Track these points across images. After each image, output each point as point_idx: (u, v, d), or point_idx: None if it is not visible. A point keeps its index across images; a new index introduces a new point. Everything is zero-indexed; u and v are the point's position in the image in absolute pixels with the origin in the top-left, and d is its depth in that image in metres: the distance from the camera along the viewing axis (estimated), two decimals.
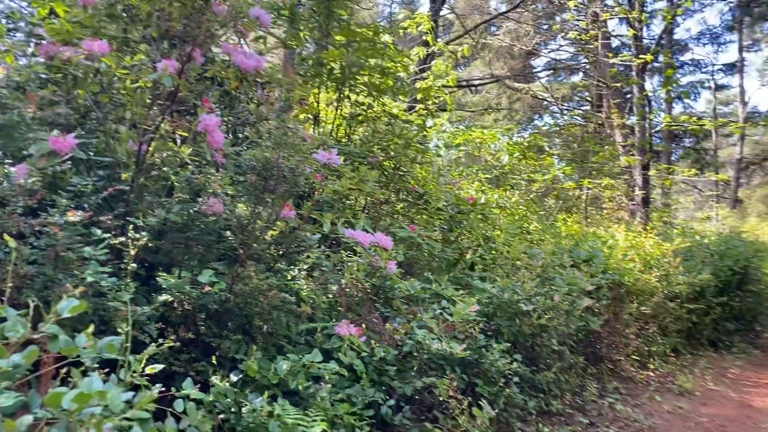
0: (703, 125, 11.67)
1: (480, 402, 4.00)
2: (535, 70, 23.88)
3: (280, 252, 3.88)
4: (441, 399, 3.93)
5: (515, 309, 4.95)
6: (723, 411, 5.92)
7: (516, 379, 4.62)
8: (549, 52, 22.16)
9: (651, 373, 7.11)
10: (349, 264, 4.11)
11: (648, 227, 9.68)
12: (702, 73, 29.89)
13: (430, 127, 8.45)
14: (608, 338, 6.93)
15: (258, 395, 2.93)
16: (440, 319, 4.15)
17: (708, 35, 29.12)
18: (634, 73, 14.80)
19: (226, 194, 3.66)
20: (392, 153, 5.48)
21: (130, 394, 2.45)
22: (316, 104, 6.39)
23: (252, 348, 3.14)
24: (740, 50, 27.62)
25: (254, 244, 3.44)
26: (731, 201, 27.40)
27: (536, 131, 18.97)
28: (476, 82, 16.72)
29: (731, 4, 24.51)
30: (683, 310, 8.29)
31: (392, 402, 3.68)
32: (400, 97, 7.02)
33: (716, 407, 6.06)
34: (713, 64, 30.61)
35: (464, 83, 15.22)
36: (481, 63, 20.88)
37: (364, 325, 4.01)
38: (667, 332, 8.13)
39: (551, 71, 22.26)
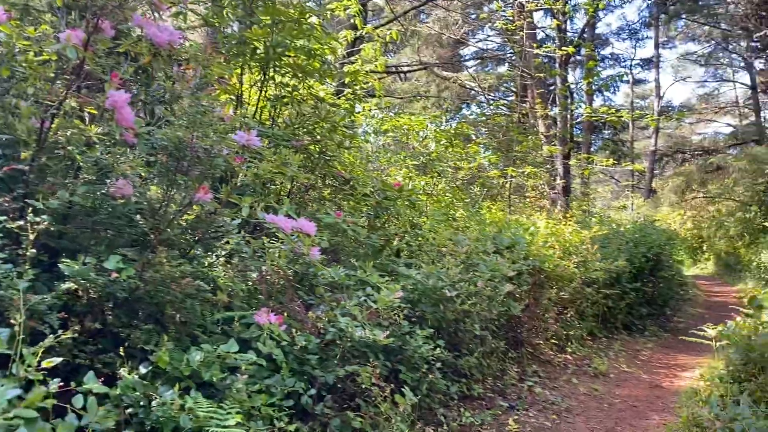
0: (621, 116, 12.14)
1: (402, 389, 3.97)
2: (463, 60, 24.18)
3: (197, 237, 3.71)
4: (364, 387, 3.87)
5: (439, 295, 4.95)
6: (635, 392, 6.18)
7: (439, 364, 4.63)
8: (477, 42, 22.48)
9: (569, 357, 7.35)
10: (270, 250, 3.98)
11: (568, 215, 9.98)
12: (621, 67, 31.17)
13: (358, 113, 8.36)
14: (529, 323, 7.10)
15: (169, 388, 2.78)
16: (364, 307, 4.08)
17: (627, 30, 30.41)
18: (557, 65, 15.21)
19: (139, 176, 3.45)
20: (318, 137, 5.36)
21: (22, 390, 2.28)
22: (239, 85, 6.16)
23: (163, 338, 2.97)
24: (656, 46, 28.98)
25: (167, 229, 3.26)
26: (646, 191, 28.79)
27: (464, 120, 19.24)
28: (405, 69, 16.70)
29: (648, 2, 25.58)
30: (600, 296, 8.62)
31: (313, 391, 3.59)
32: (328, 80, 6.88)
33: (629, 388, 6.32)
34: (631, 59, 32.03)
35: (393, 69, 15.17)
36: (411, 50, 20.89)
37: (285, 314, 3.90)
38: (584, 316, 8.43)
39: (479, 61, 22.60)
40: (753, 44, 15.77)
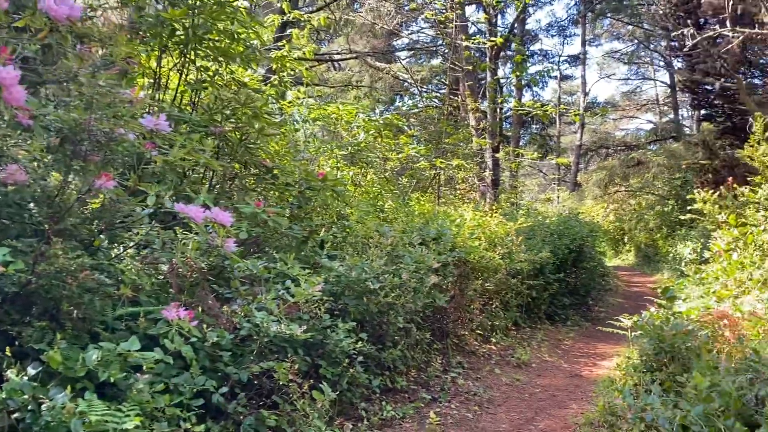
0: (547, 111, 12.40)
1: (321, 384, 3.87)
2: (397, 50, 24.17)
3: (101, 228, 3.47)
4: (281, 383, 3.75)
5: (363, 288, 4.87)
6: (555, 381, 6.31)
7: (361, 358, 4.56)
8: (410, 34, 22.50)
9: (493, 347, 7.44)
10: (184, 242, 3.78)
11: (494, 207, 10.11)
12: (549, 63, 31.98)
13: (288, 102, 8.16)
14: (454, 314, 7.14)
15: (62, 390, 2.57)
16: (282, 300, 3.95)
17: (556, 27, 31.23)
18: (487, 59, 15.40)
19: (36, 161, 3.19)
20: (239, 123, 5.15)
21: None
22: (157, 67, 5.86)
23: (56, 336, 2.75)
24: (583, 43, 29.90)
25: (65, 219, 3.02)
26: (571, 184, 29.73)
27: (396, 111, 19.24)
28: (336, 57, 16.49)
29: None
30: (524, 286, 8.78)
31: (225, 389, 3.44)
32: (253, 66, 6.66)
33: (549, 378, 6.45)
34: (559, 55, 32.87)
35: (324, 58, 14.95)
36: (344, 40, 20.69)
37: (200, 308, 3.72)
38: (508, 307, 8.57)
39: (412, 52, 22.64)
40: (672, 43, 16.46)
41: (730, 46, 9.33)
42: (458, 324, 7.29)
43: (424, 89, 21.22)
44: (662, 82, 34.75)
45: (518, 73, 12.18)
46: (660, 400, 3.13)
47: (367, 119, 7.89)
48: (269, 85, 7.31)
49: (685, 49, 8.80)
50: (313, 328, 4.29)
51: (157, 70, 5.88)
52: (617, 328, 5.49)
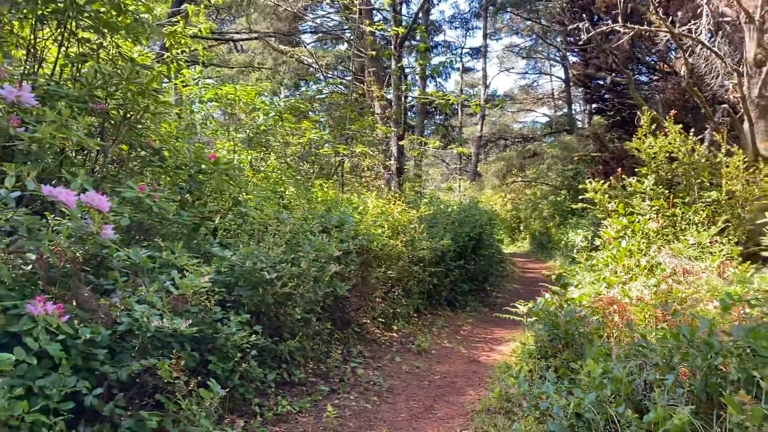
0: (449, 100, 12.53)
1: (209, 381, 3.63)
2: (301, 32, 23.71)
3: None
4: (166, 381, 3.48)
5: (258, 277, 4.65)
6: (454, 367, 6.36)
7: (255, 352, 4.35)
8: (315, 18, 22.11)
9: (394, 334, 7.42)
10: (54, 229, 3.40)
11: (398, 195, 10.10)
12: (452, 54, 32.54)
13: (179, 79, 7.69)
14: (356, 302, 7.04)
15: None
16: (167, 292, 3.66)
17: (459, 19, 31.80)
18: (392, 47, 15.36)
19: None
20: (122, 100, 4.74)
21: None
22: (31, 37, 5.30)
23: None
24: (485, 36, 30.60)
25: None
26: (472, 174, 30.47)
27: (300, 96, 18.84)
28: (236, 37, 15.86)
29: None
30: (426, 273, 8.83)
31: (101, 390, 3.14)
32: (143, 41, 6.19)
33: (448, 364, 6.50)
34: (462, 47, 33.53)
35: (224, 37, 14.34)
36: (246, 21, 20.00)
37: (74, 302, 3.38)
38: (410, 294, 8.59)
39: (317, 36, 22.27)
40: (568, 38, 17.14)
41: (620, 42, 9.82)
42: (360, 312, 7.21)
43: (329, 75, 20.93)
44: (557, 77, 36.35)
45: (422, 62, 12.19)
46: (554, 387, 3.15)
47: (267, 101, 7.58)
48: (161, 62, 6.85)
49: (580, 43, 9.11)
50: (203, 321, 4.04)
51: (31, 39, 5.33)
52: (513, 314, 5.59)
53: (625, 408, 2.73)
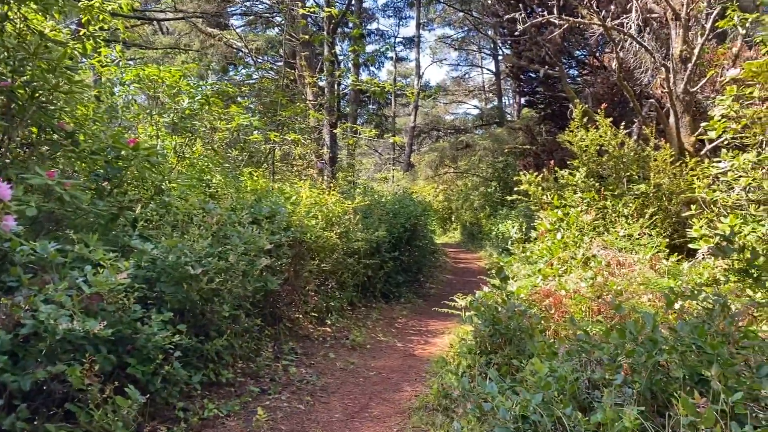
0: (382, 87, 12.34)
1: (127, 387, 3.30)
2: (230, 17, 22.95)
3: None
4: (77, 389, 3.13)
5: (182, 273, 4.31)
6: (390, 362, 6.20)
7: (179, 352, 4.02)
8: (246, 1, 21.41)
9: (328, 329, 7.19)
10: None
11: (332, 185, 9.84)
12: (386, 43, 32.39)
13: (97, 59, 7.13)
14: (288, 297, 6.78)
15: None
16: (79, 290, 3.30)
17: (392, 8, 31.63)
18: (325, 32, 15.01)
19: None
20: (29, 77, 4.28)
21: None
22: None
23: None
24: (418, 26, 30.56)
25: None
26: (405, 164, 30.51)
27: (229, 80, 18.19)
28: (161, 16, 15.05)
29: None
30: (360, 266, 8.63)
31: (0, 401, 2.77)
32: (55, 15, 5.67)
33: (384, 359, 6.33)
34: (395, 36, 33.44)
35: (147, 16, 13.57)
36: (172, 0, 19.08)
37: None
38: (345, 287, 8.37)
39: (247, 19, 21.59)
40: (501, 29, 17.28)
41: (553, 35, 9.91)
42: (292, 307, 6.93)
43: (259, 59, 20.32)
44: (489, 69, 36.93)
45: (356, 48, 11.92)
46: (498, 387, 3.02)
47: (193, 84, 7.13)
48: (76, 40, 6.32)
49: (516, 34, 9.11)
50: (120, 321, 3.69)
51: None
52: (452, 308, 5.47)
53: (573, 409, 2.62)
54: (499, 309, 4.36)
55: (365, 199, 9.97)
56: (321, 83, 16.53)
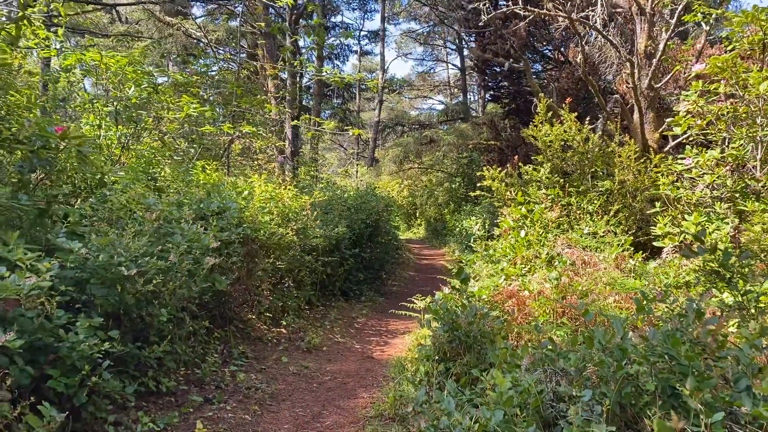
0: (344, 78, 12.00)
1: (41, 404, 2.93)
2: (190, 6, 22.32)
3: None
4: None
5: (116, 274, 3.93)
6: (346, 366, 5.91)
7: (109, 361, 3.65)
8: None
9: (283, 330, 6.85)
10: None
11: (291, 179, 9.47)
12: (349, 32, 31.95)
13: (34, 41, 6.64)
14: (240, 297, 6.42)
15: None
16: None
17: (357, 1, 31.20)
18: (287, 23, 14.60)
19: None
20: None
21: None
22: None
23: None
24: (383, 20, 30.22)
25: None
26: (369, 159, 30.21)
27: (187, 71, 17.61)
28: (112, 2, 14.35)
29: None
30: (319, 263, 8.30)
31: None
32: None
33: (340, 362, 6.03)
34: (360, 30, 33.03)
35: (100, 2, 12.92)
36: None
37: None
38: (302, 285, 8.04)
39: (208, 8, 21.00)
40: (467, 21, 17.00)
41: (518, 26, 9.74)
42: (245, 307, 6.58)
43: (219, 50, 19.74)
44: (454, 65, 36.82)
45: (317, 38, 11.56)
46: (456, 399, 2.76)
47: (140, 71, 6.67)
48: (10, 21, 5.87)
49: (480, 25, 8.88)
50: (42, 328, 3.31)
51: None
52: (410, 310, 5.20)
53: (537, 428, 2.37)
54: (459, 313, 4.10)
55: (325, 194, 9.63)
56: (283, 76, 16.11)
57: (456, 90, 37.23)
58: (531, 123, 8.37)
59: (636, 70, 8.76)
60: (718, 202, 6.24)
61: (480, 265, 6.50)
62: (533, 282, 4.87)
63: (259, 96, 11.76)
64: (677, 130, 6.86)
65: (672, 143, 8.83)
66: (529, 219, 6.41)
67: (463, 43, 30.17)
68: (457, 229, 19.14)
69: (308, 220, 8.15)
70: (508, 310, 4.83)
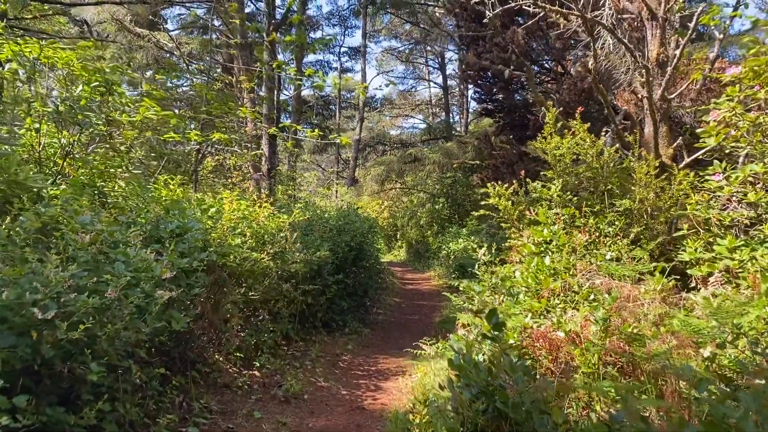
0: (325, 81, 11.08)
1: None
2: (165, 19, 21.41)
3: None
4: None
5: (27, 316, 2.89)
6: (332, 420, 4.87)
7: None
8: (184, 2, 19.87)
9: (257, 373, 5.80)
10: None
11: (267, 197, 8.44)
12: (330, 53, 31.26)
13: None
14: (204, 336, 5.37)
15: None
16: None
17: (338, 17, 30.53)
18: (266, 32, 13.70)
19: None
20: None
21: None
22: None
23: None
24: (364, 36, 29.50)
25: None
26: (349, 179, 29.28)
27: (158, 84, 16.58)
28: (69, 1, 13.29)
29: None
30: (298, 292, 7.26)
31: None
32: None
33: (325, 416, 4.99)
34: (340, 46, 32.32)
35: (57, 1, 11.88)
36: None
37: None
38: (279, 318, 7.00)
39: (181, 24, 20.07)
40: (460, 28, 16.17)
41: (521, 27, 9.00)
42: (210, 347, 5.52)
43: (194, 63, 18.75)
44: (436, 83, 36.20)
45: (294, 39, 10.67)
46: None
47: (89, 66, 5.66)
48: None
49: (484, 20, 8.03)
50: None
51: None
52: (417, 356, 4.20)
53: None
54: (493, 370, 3.11)
55: (305, 214, 8.62)
56: (261, 93, 15.20)
57: (438, 109, 36.61)
58: (528, 137, 7.52)
59: (650, 79, 7.96)
60: (766, 224, 5.38)
61: (489, 297, 5.52)
62: (569, 322, 3.92)
63: (233, 105, 10.71)
64: (711, 141, 6.03)
65: (687, 159, 8.02)
66: (553, 243, 5.47)
67: (451, 54, 29.54)
68: (443, 251, 18.20)
69: (287, 243, 7.12)
70: (537, 356, 3.88)
